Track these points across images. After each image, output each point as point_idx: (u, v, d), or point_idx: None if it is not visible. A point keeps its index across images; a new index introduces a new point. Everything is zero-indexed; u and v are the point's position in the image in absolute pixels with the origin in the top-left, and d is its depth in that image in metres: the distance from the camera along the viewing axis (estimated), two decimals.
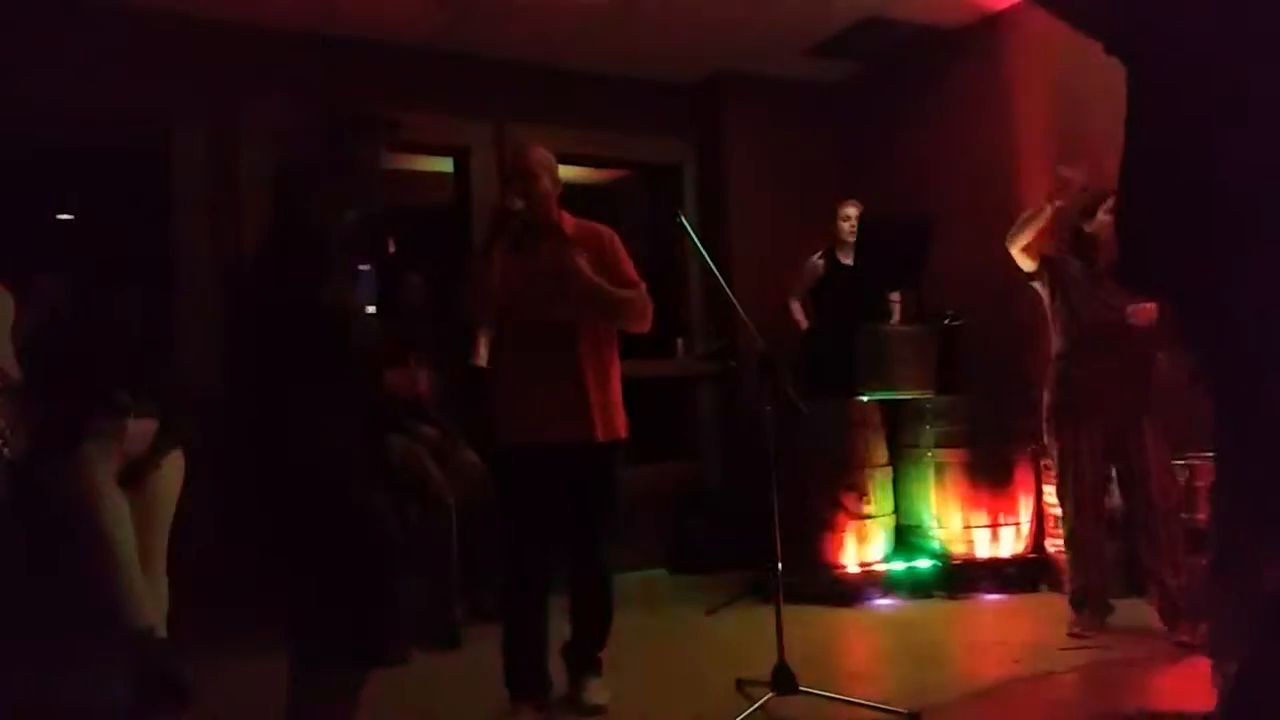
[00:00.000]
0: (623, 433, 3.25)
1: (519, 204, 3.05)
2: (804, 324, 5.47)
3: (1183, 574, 3.77)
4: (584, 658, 3.32)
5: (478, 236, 3.26)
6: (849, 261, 5.38)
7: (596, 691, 3.28)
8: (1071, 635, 3.84)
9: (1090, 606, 3.91)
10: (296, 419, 2.31)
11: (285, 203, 2.38)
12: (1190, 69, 1.00)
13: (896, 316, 5.45)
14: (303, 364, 2.34)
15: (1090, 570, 3.93)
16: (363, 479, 2.30)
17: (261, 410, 2.34)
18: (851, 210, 5.39)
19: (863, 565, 4.76)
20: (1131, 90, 1.08)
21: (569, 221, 3.26)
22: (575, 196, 7.28)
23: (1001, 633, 4.08)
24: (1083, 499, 3.90)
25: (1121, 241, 1.16)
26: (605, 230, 3.31)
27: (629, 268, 3.27)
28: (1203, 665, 3.46)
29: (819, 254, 5.45)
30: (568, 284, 3.06)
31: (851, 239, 5.35)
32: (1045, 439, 4.02)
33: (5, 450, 3.26)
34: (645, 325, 3.27)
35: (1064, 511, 4.00)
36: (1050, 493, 4.71)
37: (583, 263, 3.08)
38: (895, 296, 5.49)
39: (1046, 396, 3.98)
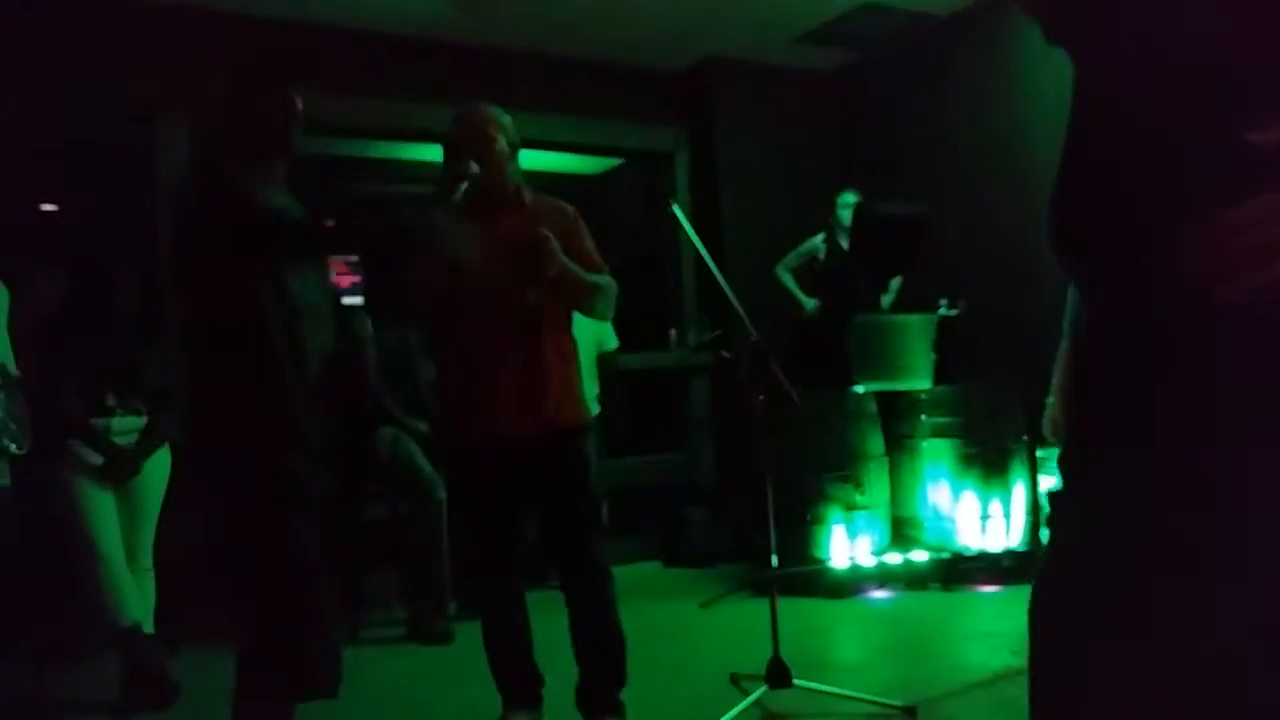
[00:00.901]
0: (585, 419, 2.94)
1: (474, 168, 2.62)
2: (804, 299, 5.41)
3: None
4: (604, 701, 2.91)
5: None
6: (847, 245, 5.37)
7: None
8: None
9: None
10: (213, 407, 2.23)
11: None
12: (1135, 62, 0.95)
13: (892, 298, 5.42)
14: (216, 342, 2.24)
15: None
16: (302, 487, 2.21)
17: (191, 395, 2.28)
18: (849, 197, 5.37)
19: (857, 557, 4.73)
20: (1076, 80, 1.03)
21: (527, 194, 2.94)
22: (567, 185, 7.29)
23: (998, 624, 4.05)
24: None
25: (1054, 232, 1.11)
26: (568, 207, 2.97)
27: (593, 250, 2.94)
28: None
29: (821, 236, 5.43)
30: (538, 264, 2.67)
31: (848, 224, 5.33)
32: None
33: (13, 445, 3.22)
34: (612, 313, 3.01)
35: None
36: (1045, 483, 4.71)
37: (555, 242, 2.69)
38: (896, 282, 5.47)
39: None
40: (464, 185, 2.54)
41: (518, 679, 3.00)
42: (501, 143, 2.86)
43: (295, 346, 2.23)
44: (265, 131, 2.33)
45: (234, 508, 2.20)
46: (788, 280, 5.46)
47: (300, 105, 2.35)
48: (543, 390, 2.82)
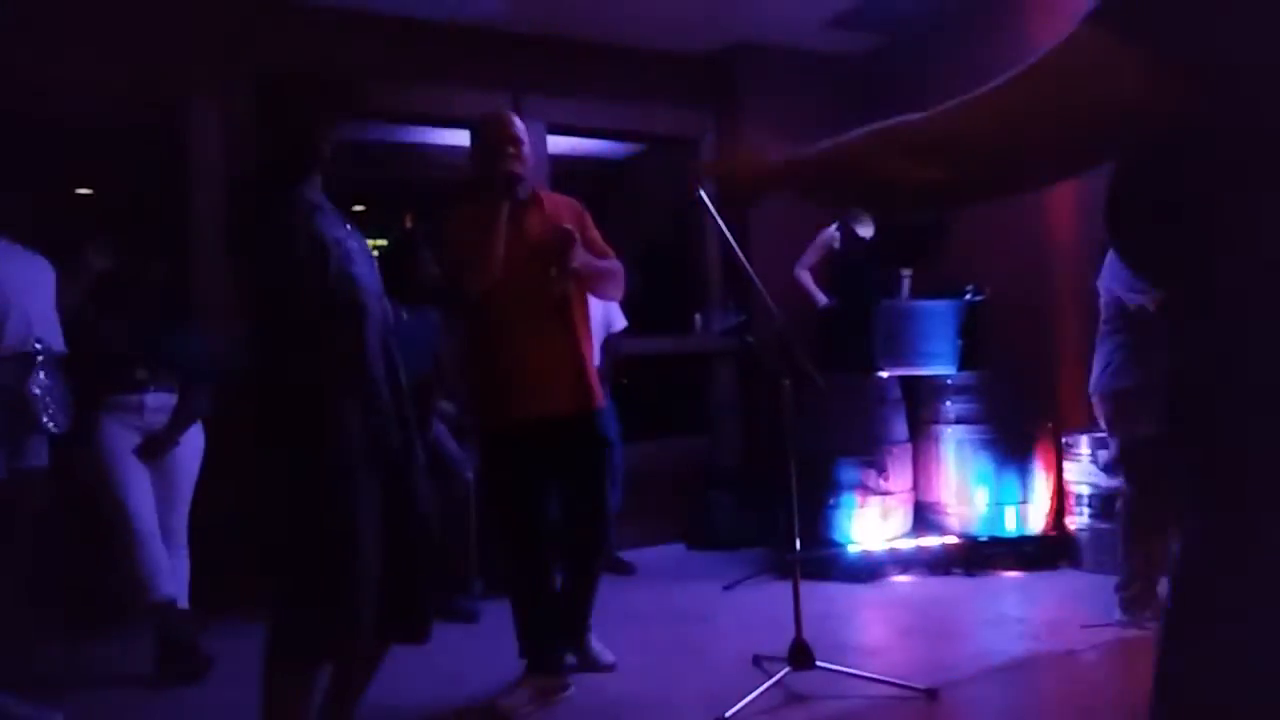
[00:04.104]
0: (601, 400, 3.31)
1: (519, 170, 3.00)
2: (819, 296, 5.40)
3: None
4: (584, 616, 3.41)
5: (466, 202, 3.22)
6: (865, 234, 5.34)
7: (602, 649, 3.45)
8: (1117, 621, 3.72)
9: (1133, 592, 3.75)
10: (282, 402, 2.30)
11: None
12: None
13: (907, 293, 5.39)
14: (280, 341, 2.32)
15: (1138, 555, 3.76)
16: (354, 471, 2.28)
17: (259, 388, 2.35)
18: None
19: (880, 542, 4.74)
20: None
21: (542, 191, 3.29)
22: (594, 169, 7.27)
23: (1020, 610, 4.06)
24: (1138, 481, 3.75)
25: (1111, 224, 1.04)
26: (575, 201, 3.29)
27: (600, 238, 3.29)
28: None
29: (834, 225, 5.39)
30: (564, 256, 3.00)
31: (859, 210, 5.30)
32: (1103, 420, 3.86)
33: (51, 424, 3.29)
34: (621, 294, 3.36)
35: (1123, 492, 3.88)
36: (1070, 469, 4.69)
37: (577, 235, 3.06)
38: (907, 272, 5.44)
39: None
40: (517, 186, 2.93)
41: (544, 643, 3.23)
42: (527, 149, 3.15)
43: (359, 331, 2.33)
44: (303, 147, 2.41)
45: (298, 483, 2.26)
46: (806, 280, 5.43)
47: (335, 122, 2.45)
48: (581, 371, 3.17)
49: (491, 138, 3.10)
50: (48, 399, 3.29)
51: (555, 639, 3.26)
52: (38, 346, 3.29)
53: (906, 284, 5.42)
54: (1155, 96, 0.83)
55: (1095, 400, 3.80)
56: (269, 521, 2.34)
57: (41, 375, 3.28)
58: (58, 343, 3.41)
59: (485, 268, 2.95)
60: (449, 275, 3.11)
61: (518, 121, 3.16)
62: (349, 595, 2.22)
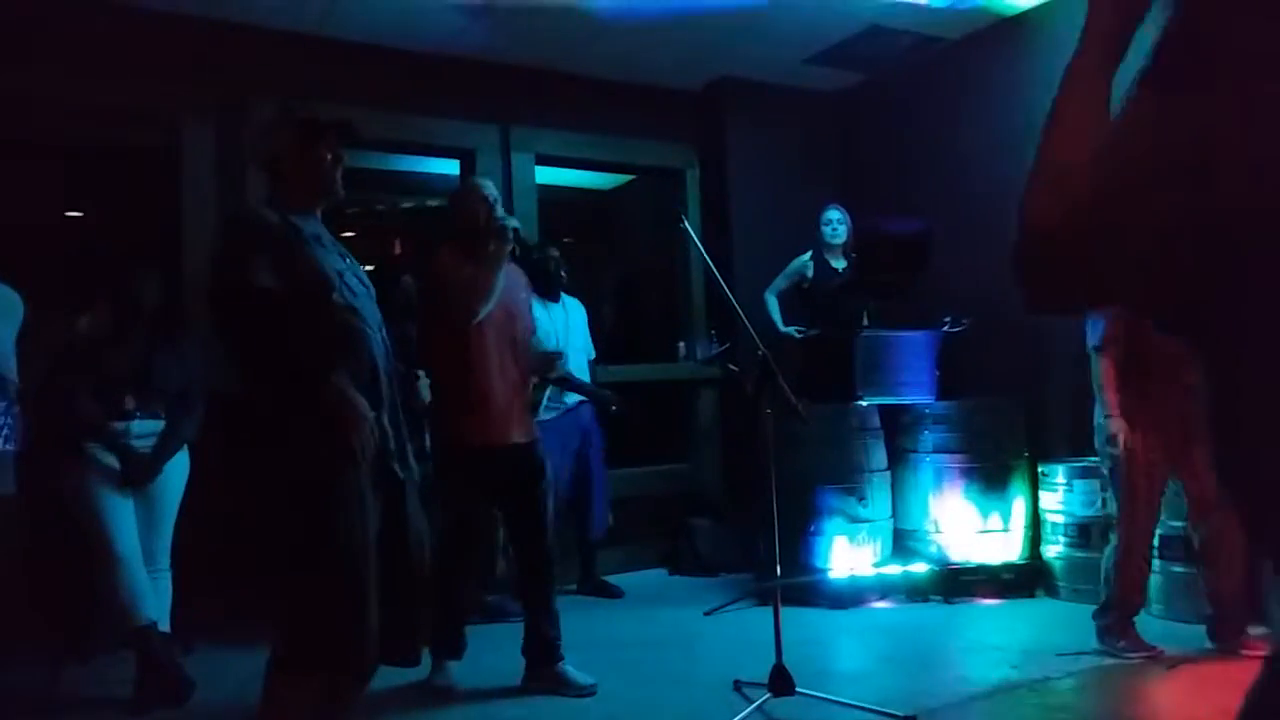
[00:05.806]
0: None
1: (514, 222, 3.39)
2: (778, 323, 5.46)
3: (1237, 589, 3.69)
4: (556, 636, 3.60)
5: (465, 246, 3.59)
6: (837, 265, 5.43)
7: (580, 673, 3.54)
8: (1093, 649, 3.76)
9: (1110, 620, 3.78)
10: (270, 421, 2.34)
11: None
12: None
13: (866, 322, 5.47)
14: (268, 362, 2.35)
15: (1126, 587, 3.78)
16: (349, 486, 2.31)
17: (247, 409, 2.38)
18: (834, 214, 5.42)
19: (860, 569, 4.79)
20: None
21: None
22: (580, 200, 7.34)
23: (997, 637, 4.10)
24: (1136, 513, 3.76)
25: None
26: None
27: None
28: (1197, 672, 3.51)
29: (808, 254, 5.47)
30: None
31: (835, 242, 5.40)
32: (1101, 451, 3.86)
33: (7, 446, 3.31)
34: None
35: (1118, 523, 3.86)
36: (1046, 497, 4.75)
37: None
38: (874, 307, 5.51)
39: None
40: (513, 233, 3.31)
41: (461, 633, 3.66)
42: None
43: (349, 343, 2.38)
44: (312, 180, 2.48)
45: (305, 503, 2.29)
46: (772, 305, 5.50)
47: (343, 157, 2.51)
48: (525, 404, 3.68)
49: (476, 202, 3.54)
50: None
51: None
52: None
53: (874, 319, 5.49)
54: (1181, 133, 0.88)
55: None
56: (271, 540, 2.36)
57: None
58: (10, 370, 3.43)
59: (486, 299, 3.33)
60: (451, 301, 3.37)
61: (492, 187, 3.65)
62: (357, 608, 2.26)
